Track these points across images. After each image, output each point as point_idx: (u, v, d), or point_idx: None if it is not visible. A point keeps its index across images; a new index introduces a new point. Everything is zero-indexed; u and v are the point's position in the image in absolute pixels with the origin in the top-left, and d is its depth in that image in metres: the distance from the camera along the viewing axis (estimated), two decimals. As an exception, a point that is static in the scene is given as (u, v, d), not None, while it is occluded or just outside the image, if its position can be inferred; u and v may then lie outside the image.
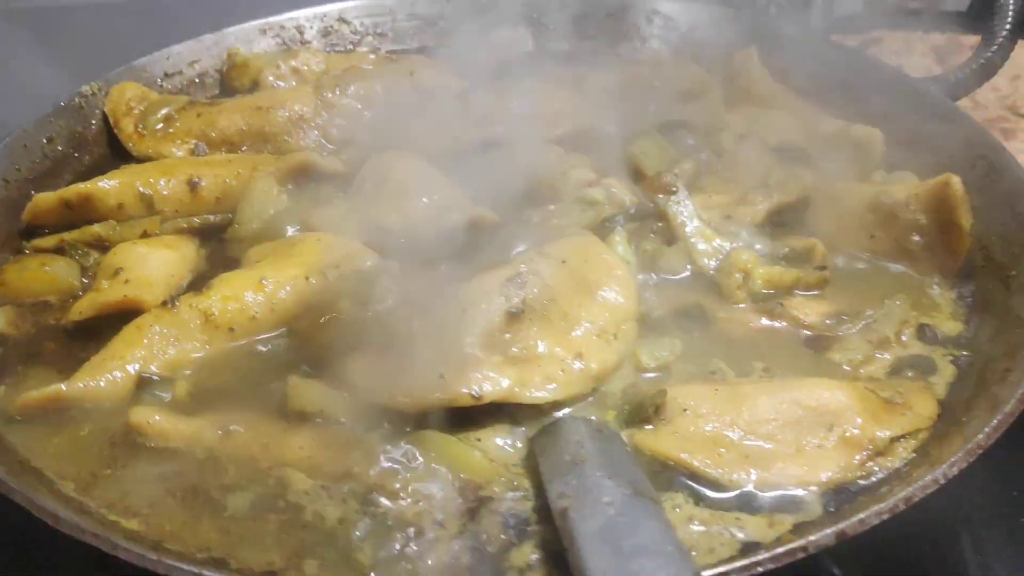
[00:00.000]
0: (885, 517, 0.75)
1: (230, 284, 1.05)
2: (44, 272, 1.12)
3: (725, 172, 1.27)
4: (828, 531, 0.74)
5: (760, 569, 0.71)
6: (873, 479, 0.87)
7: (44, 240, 1.20)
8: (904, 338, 1.04)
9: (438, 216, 1.14)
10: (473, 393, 0.91)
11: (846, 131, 1.33)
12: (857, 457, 0.89)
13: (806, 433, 0.91)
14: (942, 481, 0.78)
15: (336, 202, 1.22)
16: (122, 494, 0.87)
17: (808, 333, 1.05)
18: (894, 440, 0.90)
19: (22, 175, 1.27)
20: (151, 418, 0.92)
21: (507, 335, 0.97)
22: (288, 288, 1.05)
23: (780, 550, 0.73)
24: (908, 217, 1.14)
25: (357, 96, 1.44)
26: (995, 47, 1.33)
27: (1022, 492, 1.33)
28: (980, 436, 0.82)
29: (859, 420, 0.91)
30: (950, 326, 1.07)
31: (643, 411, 0.93)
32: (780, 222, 1.21)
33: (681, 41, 1.61)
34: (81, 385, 0.95)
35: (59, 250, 1.18)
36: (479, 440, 0.92)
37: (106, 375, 0.96)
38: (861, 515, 0.75)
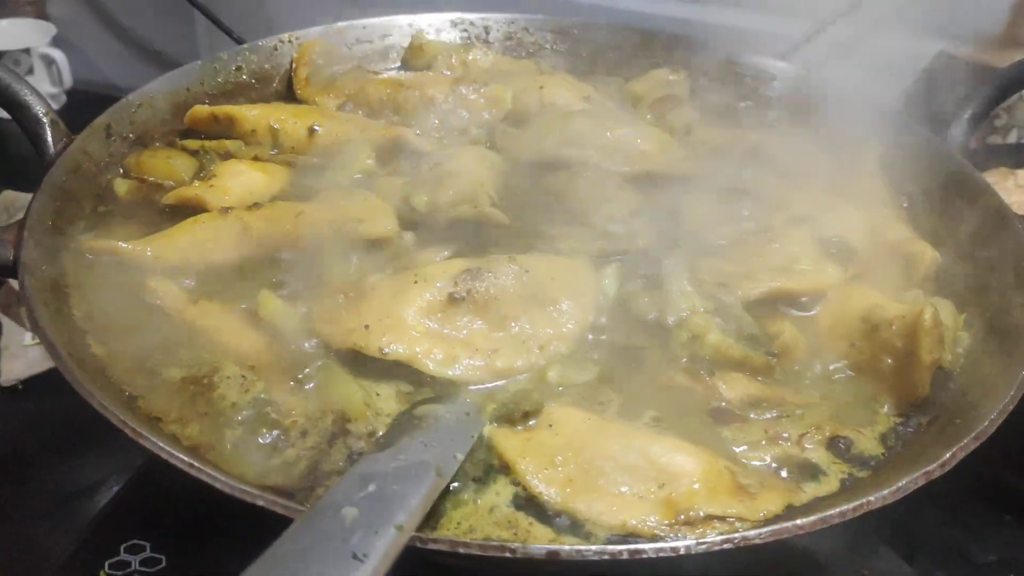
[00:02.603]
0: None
1: (274, 209, 1.28)
2: (167, 162, 1.42)
3: (759, 247, 1.28)
4: (540, 547, 0.81)
5: (462, 551, 0.81)
6: (662, 543, 0.89)
7: (192, 142, 1.50)
8: (808, 444, 1.03)
9: (456, 206, 1.29)
10: (383, 348, 1.06)
11: (905, 243, 1.29)
12: (666, 520, 0.92)
13: (637, 481, 0.95)
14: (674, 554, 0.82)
15: (404, 175, 1.41)
16: (106, 327, 1.11)
17: (720, 405, 1.07)
18: (710, 518, 0.92)
19: (203, 89, 1.59)
20: (158, 282, 1.17)
21: (440, 314, 1.11)
22: (316, 226, 1.26)
23: (491, 543, 0.82)
24: (886, 336, 1.11)
25: (486, 96, 1.61)
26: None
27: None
28: (743, 535, 0.83)
29: (695, 486, 0.94)
30: (870, 446, 1.04)
31: (514, 414, 1.03)
32: (781, 305, 1.22)
33: (823, 121, 1.60)
34: (131, 247, 1.22)
35: (196, 152, 1.48)
36: (377, 393, 1.07)
37: (152, 247, 1.22)
38: (581, 547, 0.81)
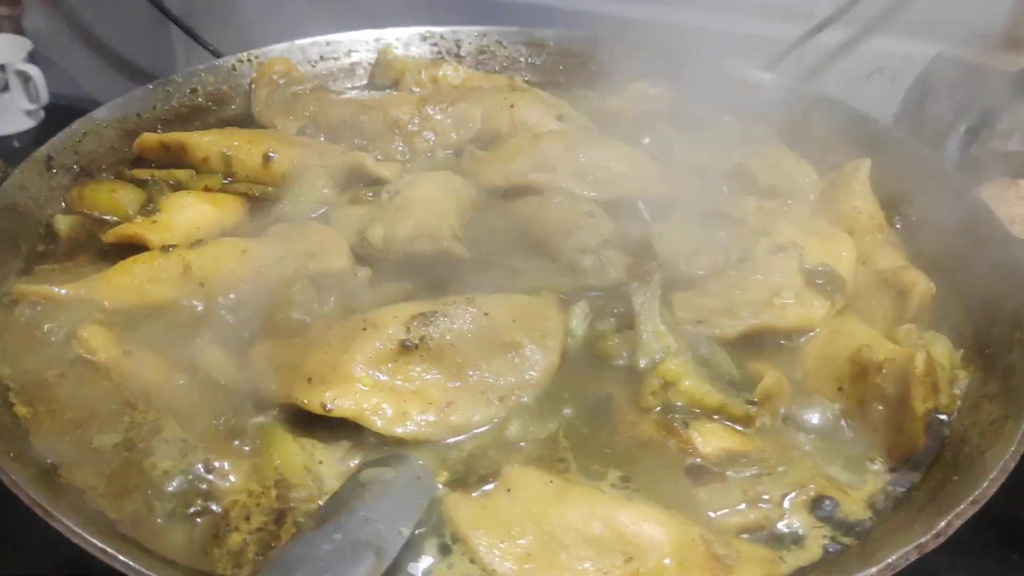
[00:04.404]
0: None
1: (218, 246, 1.19)
2: (110, 195, 1.33)
3: (739, 279, 1.19)
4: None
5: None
6: (626, 625, 0.81)
7: (141, 171, 1.42)
8: (786, 504, 0.94)
9: (414, 240, 1.20)
10: (327, 404, 0.97)
11: (896, 272, 1.19)
12: (632, 598, 0.84)
13: (602, 555, 0.87)
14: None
15: (364, 204, 1.32)
16: (33, 384, 1.04)
17: (696, 462, 0.98)
18: (681, 596, 0.84)
19: (155, 114, 1.51)
20: (90, 331, 1.08)
21: (391, 364, 1.02)
22: (263, 264, 1.17)
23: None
24: (876, 381, 1.02)
25: (454, 116, 1.52)
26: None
27: None
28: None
29: (665, 561, 0.86)
30: (855, 510, 0.94)
31: (469, 477, 0.94)
32: (761, 344, 1.13)
33: (810, 136, 1.51)
34: (64, 292, 1.13)
35: (145, 183, 1.39)
36: (315, 456, 0.96)
37: (86, 290, 1.14)
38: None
